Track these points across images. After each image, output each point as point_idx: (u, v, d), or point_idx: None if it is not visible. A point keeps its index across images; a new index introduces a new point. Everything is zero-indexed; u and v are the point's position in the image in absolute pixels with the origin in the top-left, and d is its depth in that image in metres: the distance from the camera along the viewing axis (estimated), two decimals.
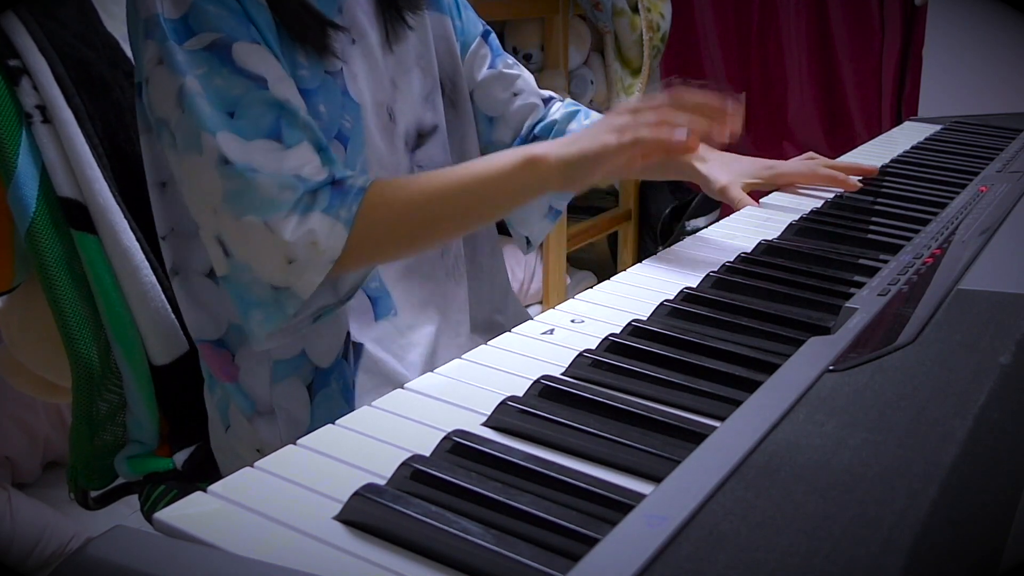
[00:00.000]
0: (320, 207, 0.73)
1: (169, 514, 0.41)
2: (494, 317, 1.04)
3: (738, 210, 0.97)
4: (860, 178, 1.06)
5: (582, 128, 1.02)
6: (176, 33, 0.73)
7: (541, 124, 1.04)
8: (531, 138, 1.04)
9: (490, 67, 1.02)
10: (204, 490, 0.43)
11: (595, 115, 1.06)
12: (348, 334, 0.84)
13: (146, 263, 0.87)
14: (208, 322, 0.85)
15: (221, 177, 0.72)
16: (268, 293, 0.74)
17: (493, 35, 1.04)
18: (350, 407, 0.84)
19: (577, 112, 1.04)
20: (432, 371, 0.58)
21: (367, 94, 0.86)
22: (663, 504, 0.40)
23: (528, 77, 1.05)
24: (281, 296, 0.74)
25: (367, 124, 0.85)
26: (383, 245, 0.78)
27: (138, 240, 0.87)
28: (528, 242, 1.06)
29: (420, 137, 0.94)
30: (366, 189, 0.74)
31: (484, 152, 1.04)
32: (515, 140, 1.03)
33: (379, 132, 0.87)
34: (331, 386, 0.84)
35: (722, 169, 0.99)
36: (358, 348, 0.86)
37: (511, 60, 1.05)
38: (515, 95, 1.03)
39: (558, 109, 1.05)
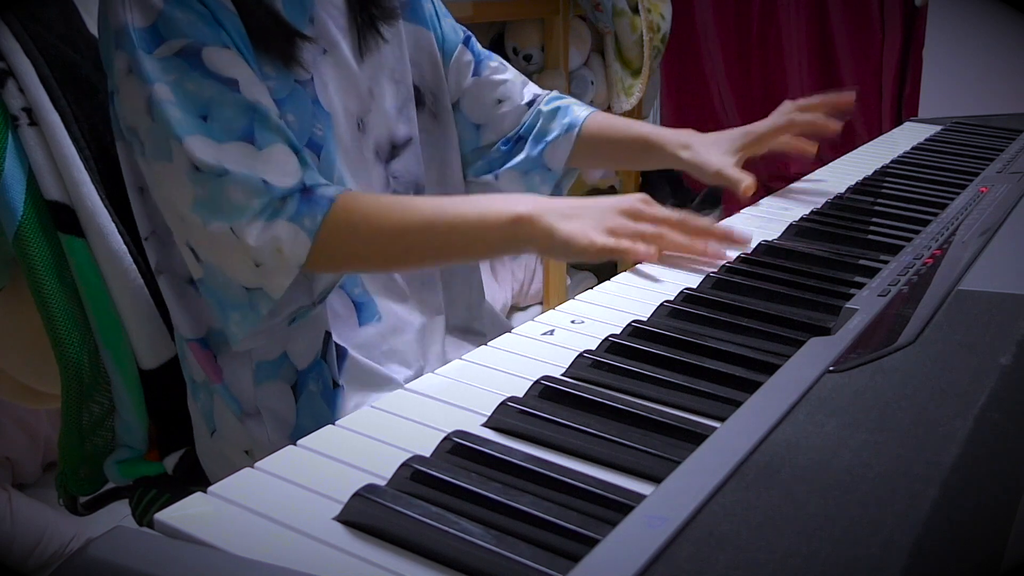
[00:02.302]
0: (286, 215, 0.73)
1: (169, 514, 0.41)
2: (471, 324, 1.04)
3: (739, 189, 0.92)
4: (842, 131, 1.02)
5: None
6: (145, 42, 0.73)
7: (526, 124, 1.03)
8: (516, 138, 1.03)
9: (475, 74, 1.02)
10: (197, 492, 0.43)
11: (576, 107, 1.04)
12: (327, 334, 0.84)
13: (134, 266, 0.86)
14: (193, 322, 0.85)
15: (192, 184, 0.72)
16: (242, 294, 0.75)
17: (474, 39, 1.04)
18: (331, 408, 0.84)
19: (557, 110, 1.03)
20: (425, 374, 0.58)
21: (338, 104, 0.85)
22: (663, 505, 0.40)
23: (514, 80, 1.05)
24: (254, 296, 0.74)
25: (338, 134, 0.85)
26: (349, 259, 0.78)
27: (126, 243, 0.86)
28: None
29: (394, 148, 0.93)
30: (334, 200, 0.74)
31: (465, 160, 1.04)
32: (500, 142, 1.03)
33: (350, 142, 0.87)
34: (310, 387, 0.84)
35: (709, 153, 0.96)
36: (342, 352, 0.86)
37: (495, 61, 1.04)
38: (500, 101, 1.02)
39: (542, 103, 1.04)
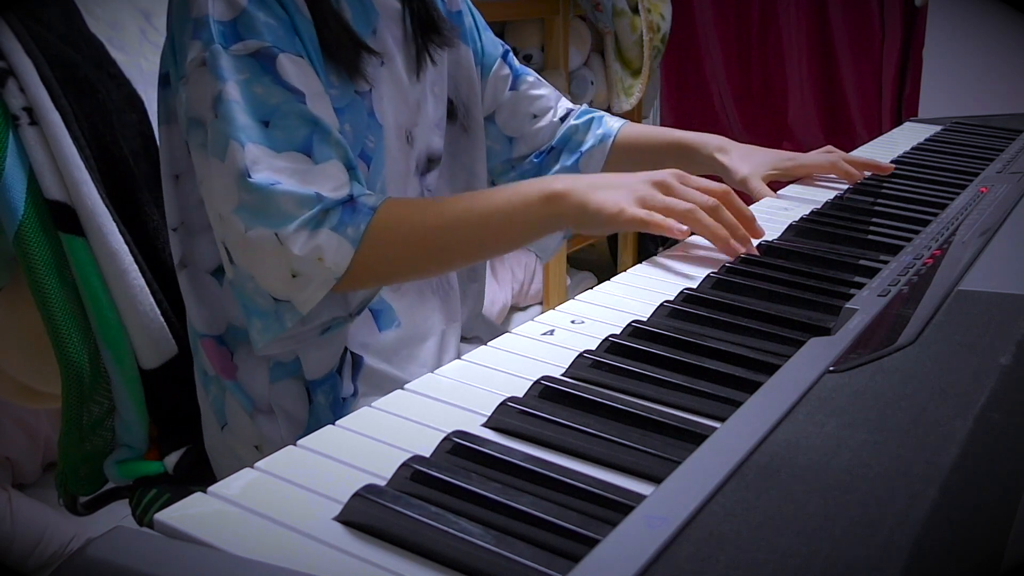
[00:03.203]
0: (330, 224, 0.73)
1: (169, 515, 0.41)
2: (469, 332, 1.05)
3: (757, 201, 0.98)
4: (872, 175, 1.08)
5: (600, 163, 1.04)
6: (224, 36, 0.73)
7: (559, 136, 1.05)
8: (550, 150, 1.04)
9: (512, 88, 1.04)
10: (197, 492, 0.43)
11: (609, 119, 1.06)
12: (346, 349, 0.84)
13: (134, 266, 0.86)
14: (210, 318, 0.85)
15: (240, 189, 0.72)
16: (269, 304, 0.74)
17: (511, 54, 1.06)
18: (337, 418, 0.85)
19: (592, 121, 1.06)
20: (426, 374, 0.58)
21: (390, 116, 0.86)
22: (663, 505, 0.40)
23: (550, 95, 1.07)
24: (281, 308, 0.74)
25: (388, 146, 0.86)
26: (391, 266, 0.77)
27: (127, 243, 0.86)
28: (541, 254, 1.07)
29: (430, 162, 0.94)
30: (376, 209, 0.74)
31: (495, 171, 1.05)
32: (532, 154, 1.05)
33: (398, 154, 0.88)
34: (319, 399, 0.84)
35: (743, 161, 1.00)
36: (358, 360, 0.86)
37: (532, 76, 1.06)
38: (535, 116, 1.05)
39: (574, 116, 1.06)
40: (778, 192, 1.05)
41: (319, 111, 0.74)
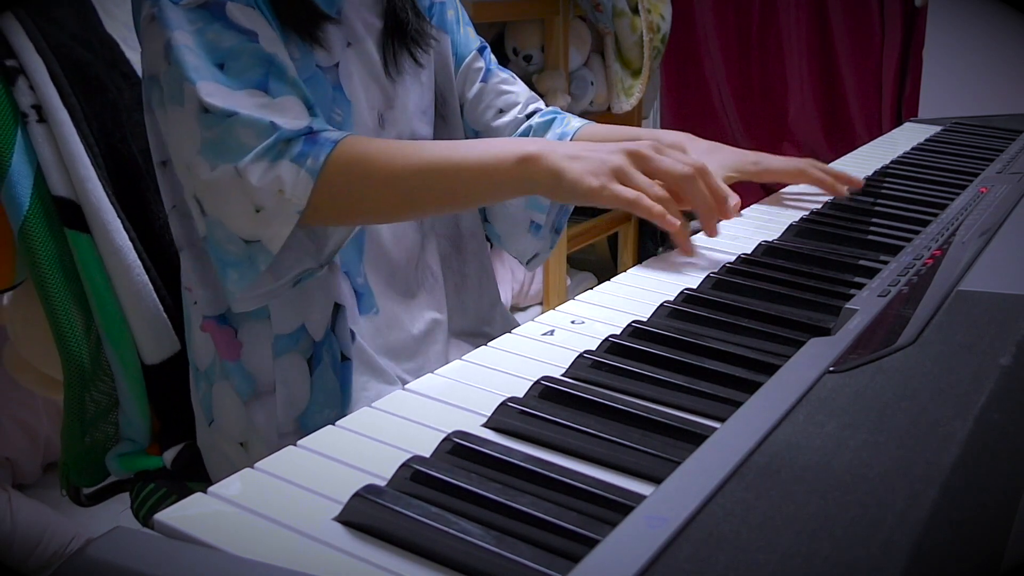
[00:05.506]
0: (290, 156, 0.73)
1: (169, 515, 0.41)
2: (480, 327, 1.05)
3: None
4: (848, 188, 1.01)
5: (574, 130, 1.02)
6: None
7: (518, 134, 1.04)
8: None
9: (482, 81, 1.03)
10: (192, 488, 0.43)
11: (571, 119, 1.05)
12: (338, 306, 0.85)
13: (138, 262, 0.87)
14: (214, 296, 0.86)
15: (200, 126, 0.72)
16: (241, 249, 0.75)
17: (489, 50, 1.05)
18: (340, 383, 0.85)
19: (552, 120, 1.04)
20: (425, 374, 0.59)
21: (361, 95, 0.86)
22: (663, 505, 0.40)
23: (520, 94, 1.05)
24: (252, 250, 0.74)
25: (358, 123, 0.86)
26: (354, 202, 0.77)
27: (131, 240, 0.87)
28: (522, 260, 1.06)
29: None
30: (338, 142, 0.74)
31: None
32: None
33: (370, 134, 0.88)
34: (324, 360, 0.85)
35: (703, 158, 0.96)
36: (352, 334, 0.87)
37: (506, 74, 1.05)
38: (500, 111, 1.03)
39: (536, 116, 1.05)
40: (776, 193, 1.05)
41: (273, 49, 0.75)
